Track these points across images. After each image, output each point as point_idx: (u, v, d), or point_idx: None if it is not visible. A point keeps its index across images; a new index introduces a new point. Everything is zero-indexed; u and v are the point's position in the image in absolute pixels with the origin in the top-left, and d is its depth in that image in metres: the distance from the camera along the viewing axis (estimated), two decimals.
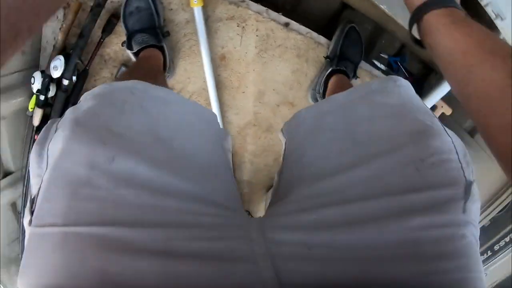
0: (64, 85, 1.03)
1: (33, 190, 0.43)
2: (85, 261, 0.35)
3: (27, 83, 1.03)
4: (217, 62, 1.15)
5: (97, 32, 1.05)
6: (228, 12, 1.08)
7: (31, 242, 0.39)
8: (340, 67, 1.13)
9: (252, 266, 0.38)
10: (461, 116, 1.41)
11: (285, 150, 0.62)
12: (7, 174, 1.08)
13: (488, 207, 1.33)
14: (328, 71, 1.15)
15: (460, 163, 0.45)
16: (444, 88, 1.11)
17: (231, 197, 0.53)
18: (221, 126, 1.16)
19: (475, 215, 0.43)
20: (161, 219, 0.40)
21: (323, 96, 1.19)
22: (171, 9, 1.06)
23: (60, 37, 1.02)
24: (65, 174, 0.40)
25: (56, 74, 1.00)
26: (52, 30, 1.05)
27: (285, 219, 0.46)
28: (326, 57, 1.18)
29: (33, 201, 0.41)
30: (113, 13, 1.05)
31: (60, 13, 1.04)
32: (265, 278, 0.37)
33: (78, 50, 1.00)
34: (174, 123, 0.53)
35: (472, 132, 1.40)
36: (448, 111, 1.29)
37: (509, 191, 1.31)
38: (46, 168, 0.42)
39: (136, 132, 0.47)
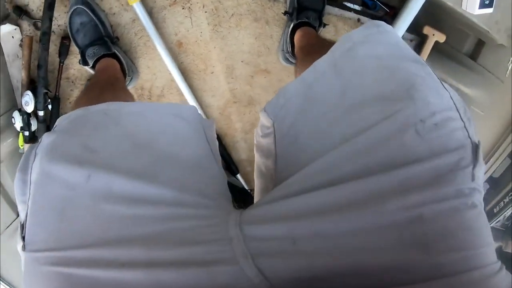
0: (40, 116, 1.08)
1: (21, 216, 0.45)
2: (77, 279, 0.37)
3: (11, 124, 1.10)
4: (175, 50, 1.13)
5: (56, 58, 1.09)
6: None
7: (28, 267, 0.41)
8: (301, 19, 1.06)
9: (234, 267, 0.37)
10: (458, 41, 1.26)
11: (275, 135, 0.55)
12: None
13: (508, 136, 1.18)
14: (291, 27, 1.09)
15: (463, 121, 0.40)
16: (415, 6, 1.01)
17: (214, 190, 0.51)
18: (202, 115, 1.14)
19: (481, 181, 0.39)
20: (141, 231, 0.40)
21: (293, 54, 1.13)
22: (114, 13, 1.06)
23: (23, 73, 1.07)
24: (49, 198, 0.42)
25: (29, 109, 1.06)
26: (18, 69, 1.10)
27: (268, 209, 0.42)
28: (285, 13, 1.11)
29: (23, 227, 0.43)
30: (63, 36, 1.07)
31: (19, 52, 1.09)
32: (250, 277, 0.36)
33: (41, 80, 1.04)
34: (151, 128, 0.52)
35: (473, 55, 1.25)
36: (441, 38, 1.16)
37: None
38: (30, 194, 0.44)
39: (112, 143, 0.47)
